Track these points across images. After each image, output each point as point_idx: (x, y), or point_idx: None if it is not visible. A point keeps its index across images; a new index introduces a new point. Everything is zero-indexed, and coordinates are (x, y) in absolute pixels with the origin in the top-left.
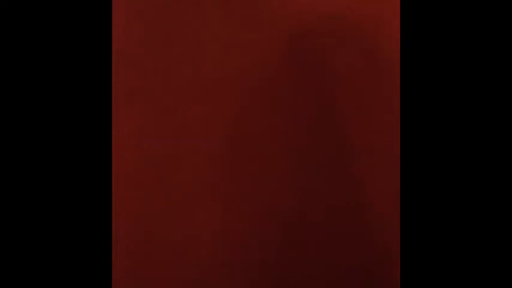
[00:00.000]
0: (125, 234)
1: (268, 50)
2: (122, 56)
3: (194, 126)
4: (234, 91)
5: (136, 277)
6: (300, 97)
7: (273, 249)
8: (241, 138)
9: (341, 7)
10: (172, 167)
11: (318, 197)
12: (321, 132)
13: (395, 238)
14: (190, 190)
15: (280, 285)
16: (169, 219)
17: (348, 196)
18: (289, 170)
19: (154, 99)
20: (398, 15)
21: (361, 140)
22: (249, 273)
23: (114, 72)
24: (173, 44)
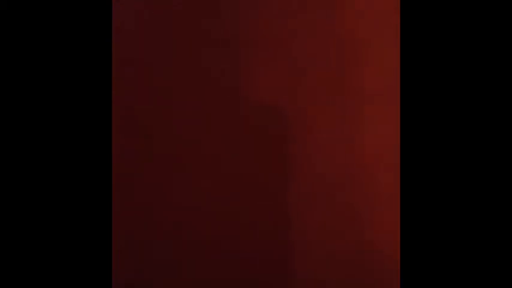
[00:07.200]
0: (125, 234)
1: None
2: (122, 56)
3: (194, 125)
4: (235, 90)
5: (136, 277)
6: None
7: (271, 248)
8: (243, 137)
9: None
10: (171, 168)
11: (318, 197)
12: (319, 132)
13: (395, 238)
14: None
15: (281, 285)
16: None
17: (347, 196)
18: (290, 172)
19: (153, 98)
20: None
21: (360, 140)
22: (250, 274)
23: (114, 72)
24: (172, 43)
